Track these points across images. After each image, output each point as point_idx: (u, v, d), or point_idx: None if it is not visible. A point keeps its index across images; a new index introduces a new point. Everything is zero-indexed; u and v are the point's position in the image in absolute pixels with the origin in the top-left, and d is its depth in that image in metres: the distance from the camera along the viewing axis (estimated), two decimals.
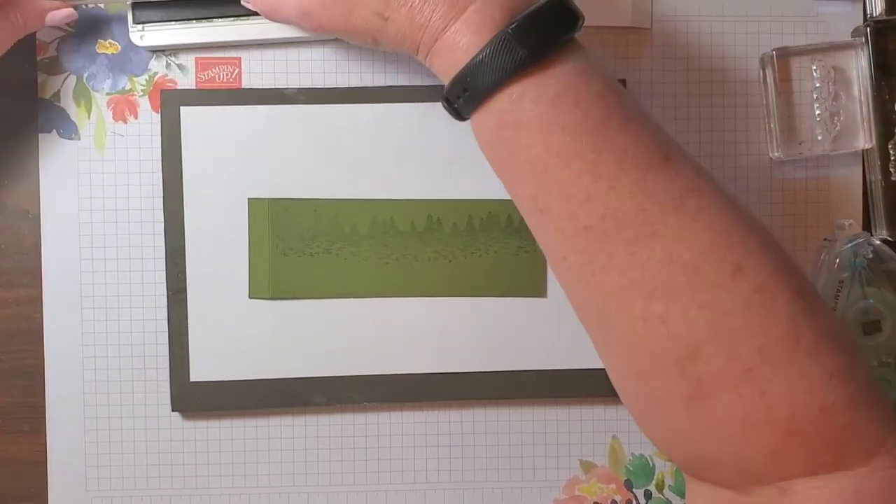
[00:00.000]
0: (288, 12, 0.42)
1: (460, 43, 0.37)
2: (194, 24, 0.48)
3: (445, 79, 0.38)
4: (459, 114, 0.39)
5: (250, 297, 0.48)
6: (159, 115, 0.49)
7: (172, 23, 0.47)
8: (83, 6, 0.47)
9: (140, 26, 0.47)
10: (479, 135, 0.39)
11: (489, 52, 0.36)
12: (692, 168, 0.37)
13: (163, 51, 0.49)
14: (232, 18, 0.48)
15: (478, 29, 0.36)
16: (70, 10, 0.46)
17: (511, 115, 0.37)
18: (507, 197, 0.48)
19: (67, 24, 0.48)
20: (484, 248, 0.48)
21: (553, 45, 0.36)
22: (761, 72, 0.50)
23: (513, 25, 0.36)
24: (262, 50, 0.49)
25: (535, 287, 0.49)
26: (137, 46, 0.49)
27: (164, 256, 0.48)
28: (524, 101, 0.36)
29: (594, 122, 0.36)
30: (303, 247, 0.48)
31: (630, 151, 0.36)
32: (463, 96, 0.37)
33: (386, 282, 0.48)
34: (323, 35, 0.46)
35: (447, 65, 0.38)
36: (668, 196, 0.35)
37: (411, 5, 0.38)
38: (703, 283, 0.34)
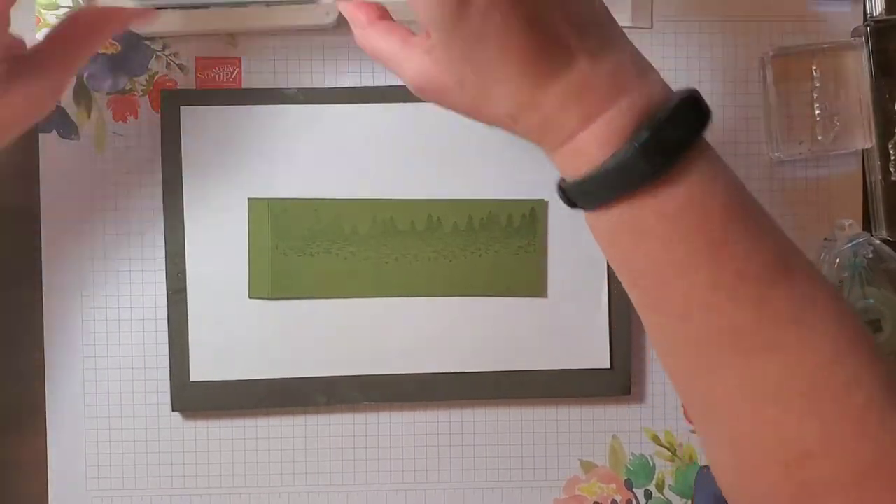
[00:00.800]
0: (404, 77, 0.39)
1: (587, 150, 0.36)
2: (191, 11, 0.48)
3: (566, 176, 0.37)
4: (574, 205, 0.38)
5: (250, 297, 0.48)
6: (159, 115, 0.49)
7: (169, 10, 0.47)
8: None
9: None
10: (595, 231, 0.38)
11: (615, 164, 0.35)
12: (812, 276, 0.36)
13: (160, 38, 0.49)
14: (229, 6, 0.48)
15: (606, 140, 0.35)
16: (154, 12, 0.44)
17: (630, 223, 0.36)
18: (508, 197, 0.49)
19: None
20: (484, 248, 0.48)
21: (681, 153, 0.35)
22: (761, 72, 0.50)
23: (641, 140, 0.34)
24: (262, 49, 0.49)
25: (535, 287, 0.49)
26: (137, 47, 0.49)
27: (164, 256, 0.48)
28: (646, 212, 0.35)
29: (717, 233, 0.35)
30: (303, 247, 0.48)
31: (751, 262, 0.35)
32: (584, 199, 0.37)
33: (386, 282, 0.48)
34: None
35: (570, 167, 0.37)
36: (789, 308, 0.34)
37: (544, 114, 0.36)
38: (819, 394, 0.34)
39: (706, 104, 0.36)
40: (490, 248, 0.48)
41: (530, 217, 0.48)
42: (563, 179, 0.38)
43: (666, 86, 0.37)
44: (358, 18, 0.40)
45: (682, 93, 0.36)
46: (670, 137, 0.35)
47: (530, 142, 0.38)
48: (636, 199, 0.35)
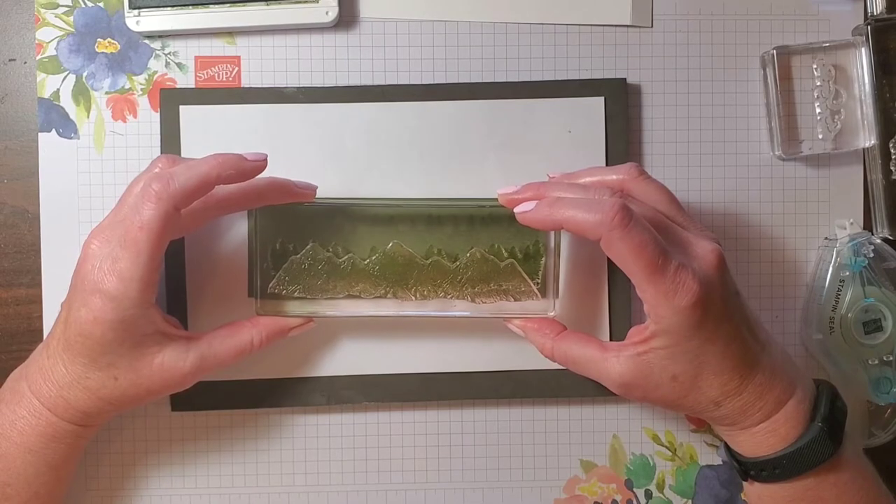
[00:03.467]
0: (608, 379, 0.43)
1: (780, 431, 0.42)
2: (190, 9, 0.48)
3: (752, 454, 0.43)
4: (747, 476, 0.44)
5: (250, 297, 0.48)
6: (158, 114, 0.49)
7: (168, 8, 0.48)
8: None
9: (136, 11, 0.47)
10: (762, 500, 0.44)
11: (806, 443, 0.41)
12: None
13: (159, 37, 0.49)
14: (228, 4, 0.48)
15: (796, 422, 0.42)
16: (311, 324, 0.47)
17: (812, 492, 0.42)
18: None
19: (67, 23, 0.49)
20: (485, 248, 0.48)
21: (844, 430, 0.42)
22: (762, 70, 0.50)
23: (821, 421, 0.41)
24: (262, 48, 0.49)
25: (536, 286, 0.48)
26: (136, 46, 0.49)
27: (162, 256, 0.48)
28: (827, 484, 0.42)
29: (873, 494, 0.43)
30: (302, 246, 0.48)
31: None
32: (770, 474, 0.42)
33: (386, 281, 0.48)
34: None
35: (763, 445, 0.42)
36: None
37: (745, 400, 0.41)
38: None
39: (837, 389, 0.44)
40: (491, 248, 0.48)
41: None
42: (739, 456, 0.44)
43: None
44: (544, 332, 0.45)
45: (822, 381, 0.44)
46: (839, 416, 0.42)
47: (719, 424, 0.44)
48: (820, 472, 0.42)
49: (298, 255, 0.47)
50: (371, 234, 0.48)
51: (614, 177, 0.44)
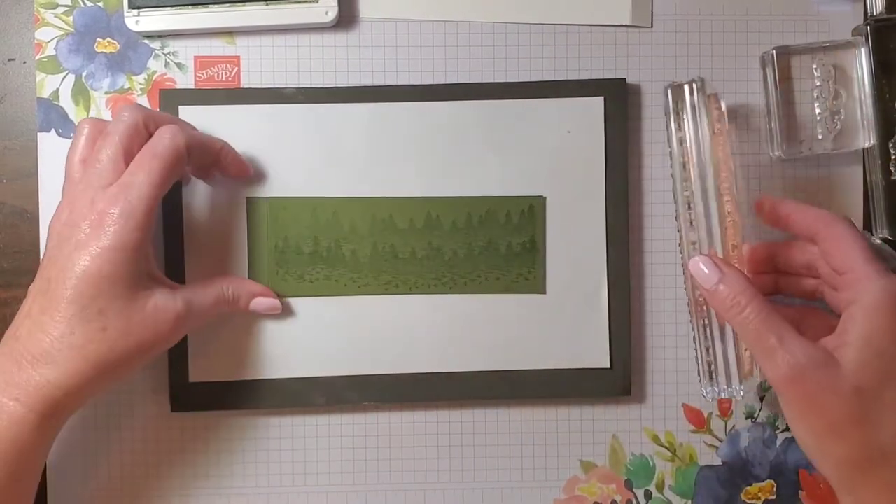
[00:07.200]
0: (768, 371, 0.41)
1: None
2: (190, 9, 0.48)
3: None
4: None
5: None
6: None
7: (168, 8, 0.48)
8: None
9: (136, 11, 0.47)
10: None
11: None
12: None
13: (158, 37, 0.49)
14: (228, 4, 0.48)
15: None
16: (275, 302, 0.47)
17: None
18: (506, 194, 0.49)
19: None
20: (483, 246, 0.48)
21: None
22: (762, 71, 0.50)
23: None
24: (262, 48, 0.49)
25: (534, 284, 0.49)
26: (136, 45, 0.49)
27: (162, 256, 0.48)
28: None
29: None
30: (302, 246, 0.48)
31: None
32: None
33: (385, 280, 0.48)
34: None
35: None
36: None
37: None
38: None
39: None
40: (489, 245, 0.48)
41: (529, 214, 0.48)
42: None
43: None
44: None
45: None
46: None
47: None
48: None
49: (301, 248, 0.47)
50: (372, 230, 0.48)
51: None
